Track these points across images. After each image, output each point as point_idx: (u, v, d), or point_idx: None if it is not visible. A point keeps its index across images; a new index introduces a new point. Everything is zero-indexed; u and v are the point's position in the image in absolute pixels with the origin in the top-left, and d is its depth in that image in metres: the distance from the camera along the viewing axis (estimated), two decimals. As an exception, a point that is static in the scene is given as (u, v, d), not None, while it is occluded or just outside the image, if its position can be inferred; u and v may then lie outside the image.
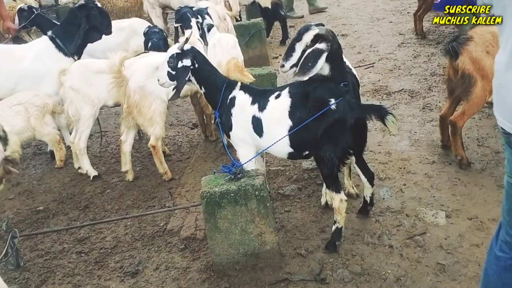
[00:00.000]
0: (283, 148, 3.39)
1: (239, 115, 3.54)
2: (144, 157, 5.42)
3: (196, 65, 3.57)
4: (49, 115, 4.87)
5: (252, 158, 3.55)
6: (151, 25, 5.82)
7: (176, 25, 5.38)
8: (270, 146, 3.37)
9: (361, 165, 3.61)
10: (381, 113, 3.14)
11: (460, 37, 4.12)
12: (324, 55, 3.14)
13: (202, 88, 3.67)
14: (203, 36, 5.25)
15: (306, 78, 3.15)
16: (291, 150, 3.38)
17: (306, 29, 3.24)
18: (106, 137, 6.10)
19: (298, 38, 3.23)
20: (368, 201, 3.75)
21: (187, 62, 3.52)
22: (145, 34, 5.51)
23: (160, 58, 3.93)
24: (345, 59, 3.87)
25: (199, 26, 5.27)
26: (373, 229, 3.66)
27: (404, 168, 4.43)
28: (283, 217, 3.95)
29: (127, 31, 6.22)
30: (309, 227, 3.79)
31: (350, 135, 3.19)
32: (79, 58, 5.26)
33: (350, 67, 3.85)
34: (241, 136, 3.61)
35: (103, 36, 5.32)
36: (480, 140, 4.75)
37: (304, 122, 3.16)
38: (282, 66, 3.30)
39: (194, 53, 3.57)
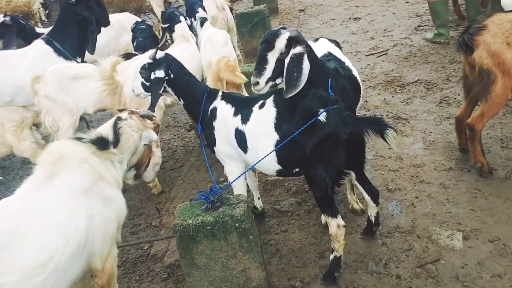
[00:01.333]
0: (270, 164, 2.95)
1: (221, 128, 3.12)
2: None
3: (172, 75, 3.15)
4: (28, 129, 4.48)
5: (238, 177, 3.12)
6: (138, 20, 5.35)
7: (164, 26, 4.90)
8: (256, 164, 2.94)
9: (363, 182, 3.12)
10: (379, 127, 2.65)
11: (471, 27, 3.55)
12: (306, 57, 2.75)
13: (181, 99, 3.25)
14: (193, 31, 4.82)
15: (297, 91, 2.72)
16: (279, 167, 2.94)
17: (275, 34, 2.81)
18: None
19: (268, 47, 2.79)
20: (373, 221, 3.29)
21: (159, 73, 3.10)
22: (132, 30, 5.08)
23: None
24: (344, 59, 3.40)
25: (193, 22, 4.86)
26: (379, 254, 3.20)
27: (417, 176, 3.91)
28: (278, 238, 3.53)
29: (116, 27, 5.73)
30: (307, 251, 3.35)
31: (344, 152, 2.72)
32: (82, 60, 4.80)
33: (351, 68, 3.34)
34: (226, 151, 3.20)
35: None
36: (504, 140, 4.17)
37: (291, 136, 2.71)
38: (256, 84, 2.85)
39: (168, 62, 3.14)
